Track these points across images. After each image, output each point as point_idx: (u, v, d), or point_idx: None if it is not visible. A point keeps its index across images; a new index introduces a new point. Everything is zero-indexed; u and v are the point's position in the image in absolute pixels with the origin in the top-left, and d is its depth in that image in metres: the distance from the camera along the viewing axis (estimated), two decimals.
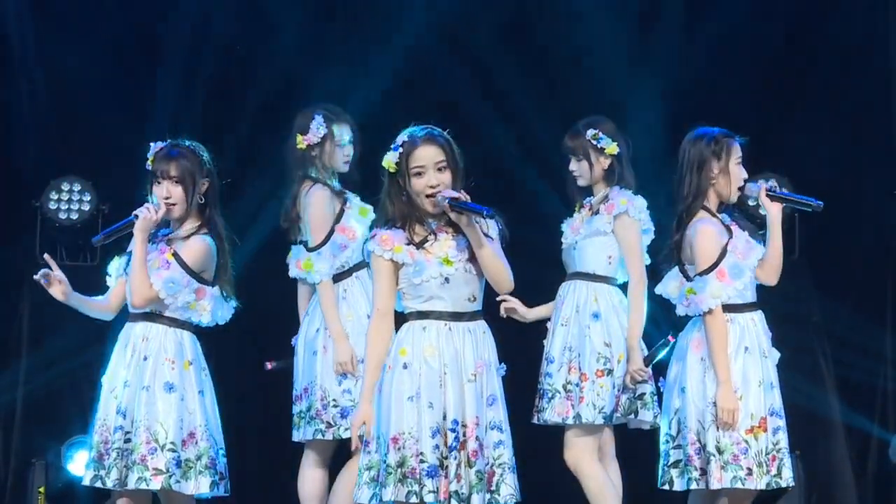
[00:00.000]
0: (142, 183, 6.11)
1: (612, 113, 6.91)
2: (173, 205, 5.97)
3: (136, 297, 5.93)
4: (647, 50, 8.52)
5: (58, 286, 6.06)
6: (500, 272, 5.30)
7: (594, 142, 6.60)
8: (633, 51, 8.51)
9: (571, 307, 6.61)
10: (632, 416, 6.52)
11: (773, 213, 6.08)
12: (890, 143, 8.52)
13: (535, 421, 6.62)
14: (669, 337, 6.34)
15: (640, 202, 6.58)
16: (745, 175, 6.14)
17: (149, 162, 6.05)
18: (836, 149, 8.55)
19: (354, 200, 6.69)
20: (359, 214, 6.63)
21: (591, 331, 6.54)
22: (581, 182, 6.68)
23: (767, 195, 6.10)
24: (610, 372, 6.50)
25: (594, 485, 6.50)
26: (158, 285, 5.90)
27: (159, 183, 5.98)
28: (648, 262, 6.62)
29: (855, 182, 8.56)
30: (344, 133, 6.69)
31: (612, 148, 6.60)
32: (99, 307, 6.18)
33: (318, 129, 6.64)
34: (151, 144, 6.08)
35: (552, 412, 6.54)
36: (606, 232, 6.56)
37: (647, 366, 6.44)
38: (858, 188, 8.58)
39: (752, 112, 8.33)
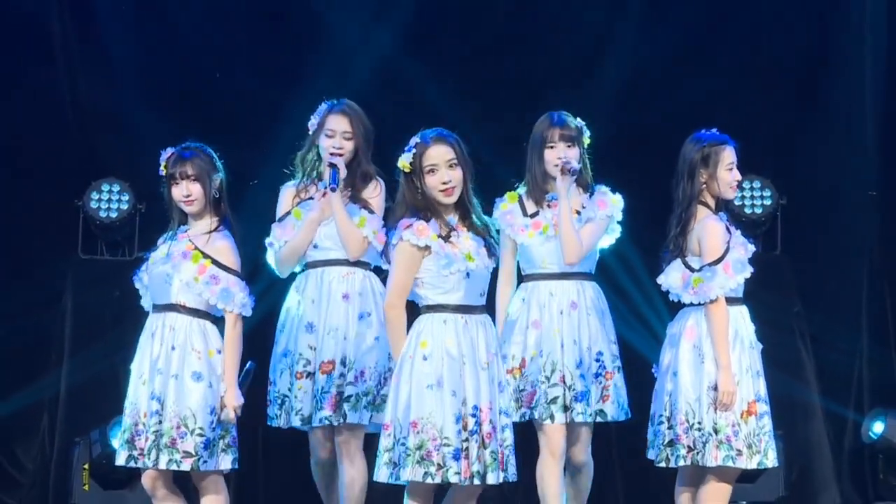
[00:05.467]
0: None
1: None
2: (193, 201, 6.08)
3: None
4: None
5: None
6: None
7: (586, 131, 6.41)
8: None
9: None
10: (549, 420, 6.26)
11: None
12: (866, 144, 8.70)
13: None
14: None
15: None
16: (737, 177, 6.23)
17: (162, 168, 6.14)
18: (817, 148, 8.70)
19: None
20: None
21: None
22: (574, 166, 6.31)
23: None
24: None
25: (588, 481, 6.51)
26: (214, 300, 6.01)
27: (177, 184, 6.07)
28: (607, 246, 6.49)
29: (835, 181, 8.72)
30: None
31: (587, 140, 6.43)
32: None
33: None
34: (161, 152, 6.16)
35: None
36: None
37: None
38: (838, 187, 8.72)
39: (735, 111, 8.38)
